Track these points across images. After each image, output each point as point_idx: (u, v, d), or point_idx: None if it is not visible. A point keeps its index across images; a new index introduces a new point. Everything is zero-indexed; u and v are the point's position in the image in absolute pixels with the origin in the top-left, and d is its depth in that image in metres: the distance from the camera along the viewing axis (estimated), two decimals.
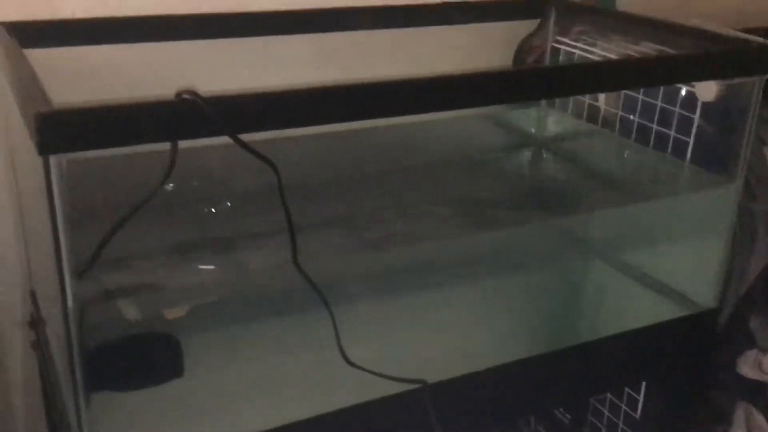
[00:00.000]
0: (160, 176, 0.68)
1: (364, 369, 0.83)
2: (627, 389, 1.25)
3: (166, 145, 0.67)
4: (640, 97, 1.14)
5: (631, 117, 1.16)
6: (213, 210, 1.02)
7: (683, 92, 1.09)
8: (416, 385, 0.88)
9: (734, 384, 1.22)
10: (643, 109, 1.14)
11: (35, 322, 1.00)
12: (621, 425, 1.28)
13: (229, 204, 1.04)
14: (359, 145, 1.15)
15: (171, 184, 0.73)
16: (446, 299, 1.02)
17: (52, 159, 0.62)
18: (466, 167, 1.20)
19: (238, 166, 0.70)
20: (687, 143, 1.09)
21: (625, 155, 1.22)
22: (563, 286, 1.15)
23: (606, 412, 1.31)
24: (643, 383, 1.21)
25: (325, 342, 0.83)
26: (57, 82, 0.76)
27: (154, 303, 0.84)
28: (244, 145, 0.68)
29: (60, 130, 0.60)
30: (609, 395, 1.29)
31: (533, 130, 1.34)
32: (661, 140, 1.13)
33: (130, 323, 0.80)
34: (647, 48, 1.13)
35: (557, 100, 1.30)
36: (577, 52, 1.21)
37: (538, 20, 1.28)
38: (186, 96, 0.64)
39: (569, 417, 1.39)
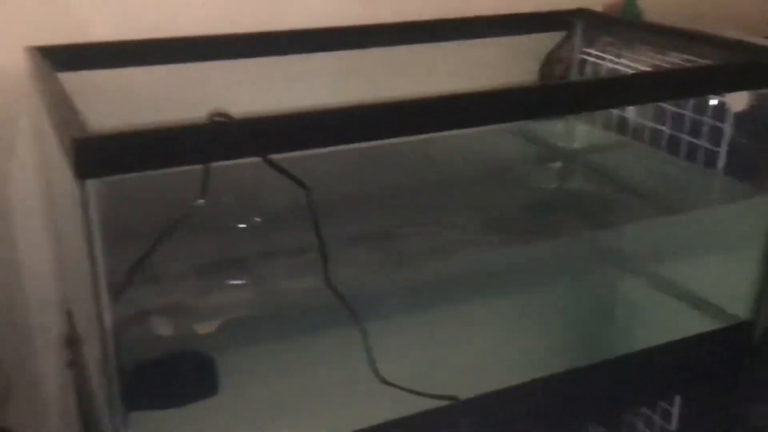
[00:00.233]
0: (191, 194, 0.69)
1: (395, 386, 0.83)
2: (661, 403, 1.23)
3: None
4: (670, 107, 1.13)
5: (661, 127, 1.15)
6: (244, 227, 1.03)
7: (714, 102, 1.08)
8: (448, 402, 0.87)
9: None
10: (673, 119, 1.14)
11: (71, 342, 1.01)
12: None
13: (259, 220, 1.04)
14: (387, 160, 1.15)
15: (202, 201, 0.73)
16: (477, 314, 1.01)
17: (89, 183, 0.63)
18: (494, 181, 1.19)
19: (268, 183, 0.70)
20: (719, 153, 1.08)
21: (656, 167, 1.21)
22: (595, 300, 1.14)
23: (641, 426, 1.30)
24: (677, 397, 1.20)
25: (357, 358, 0.83)
26: (89, 104, 0.77)
27: (185, 319, 0.85)
28: (276, 166, 0.68)
29: (96, 154, 0.61)
30: (644, 409, 1.27)
31: (560, 142, 1.34)
32: (692, 151, 1.12)
33: (164, 341, 0.81)
34: (675, 58, 1.12)
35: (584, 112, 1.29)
36: (605, 63, 1.21)
37: (565, 32, 1.28)
38: (218, 118, 0.65)
39: (603, 431, 1.38)
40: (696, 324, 1.09)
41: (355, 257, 0.96)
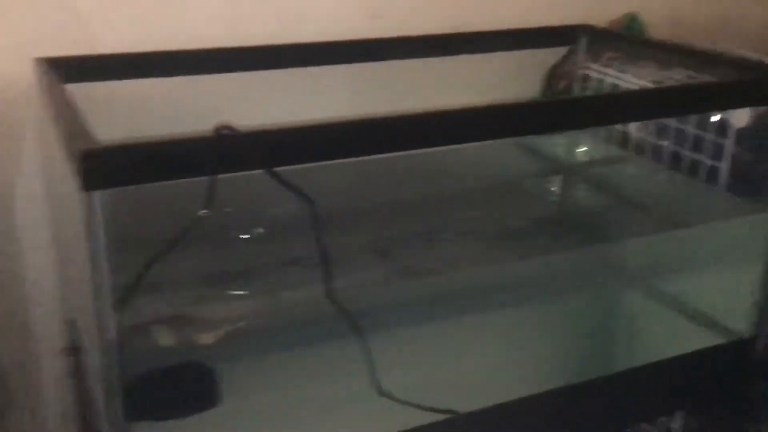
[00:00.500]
0: (197, 205, 0.69)
1: (395, 398, 0.83)
2: (663, 419, 1.23)
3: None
4: (672, 123, 1.13)
5: (663, 143, 1.16)
6: (248, 237, 1.03)
7: (716, 117, 1.08)
8: (448, 415, 0.87)
9: None
10: (675, 134, 1.14)
11: (73, 351, 1.01)
12: None
13: (262, 231, 1.04)
14: (389, 172, 1.15)
15: (206, 211, 0.74)
16: (478, 328, 1.01)
17: (95, 194, 0.64)
18: (496, 194, 1.20)
19: (271, 193, 0.71)
20: (721, 169, 1.08)
21: (658, 182, 1.21)
22: (597, 315, 1.14)
23: None
24: (679, 413, 1.20)
25: (358, 371, 0.83)
26: (96, 116, 0.77)
27: (189, 329, 0.85)
28: (281, 180, 0.68)
29: (102, 166, 0.62)
30: (645, 425, 1.27)
31: (563, 156, 1.34)
32: (695, 166, 1.12)
33: (166, 352, 0.81)
34: (678, 74, 1.13)
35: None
36: (607, 78, 1.21)
37: (568, 47, 1.28)
38: (224, 131, 0.65)
39: None
40: (698, 340, 1.09)
41: (358, 270, 0.96)
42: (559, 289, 1.07)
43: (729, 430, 1.22)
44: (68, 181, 0.67)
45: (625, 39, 1.26)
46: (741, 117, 1.03)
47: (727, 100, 0.99)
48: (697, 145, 1.11)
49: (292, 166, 0.69)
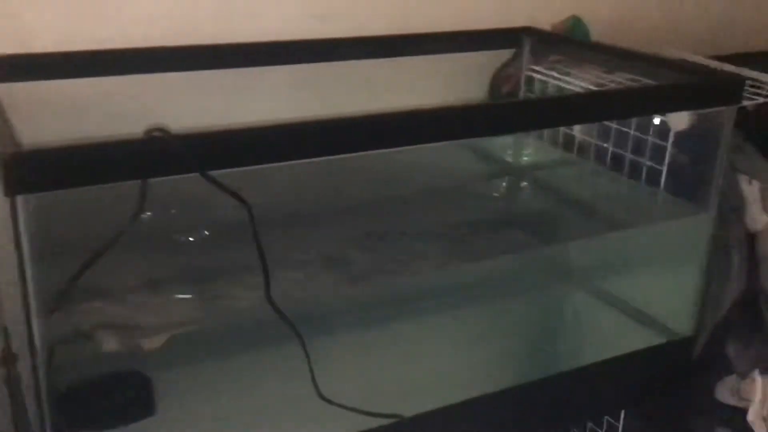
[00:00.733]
0: (134, 209, 0.67)
1: (338, 404, 0.82)
2: (607, 417, 1.24)
3: None
4: (614, 126, 1.15)
5: (606, 145, 1.17)
6: (191, 240, 1.01)
7: (657, 121, 1.10)
8: (392, 420, 0.87)
9: (713, 410, 1.22)
10: (617, 137, 1.15)
11: (6, 359, 0.98)
12: None
13: (207, 233, 1.03)
14: (336, 175, 1.14)
15: (149, 213, 0.72)
16: (423, 331, 1.01)
17: (20, 199, 0.62)
18: (443, 196, 1.20)
19: (218, 195, 0.70)
20: (661, 172, 1.10)
21: (601, 184, 1.23)
22: (541, 315, 1.15)
23: None
24: (623, 411, 1.21)
25: (301, 376, 0.83)
26: (26, 117, 0.76)
27: (129, 336, 0.83)
28: (216, 183, 0.67)
29: (27, 171, 0.60)
30: (589, 424, 1.28)
31: (510, 159, 1.35)
32: (636, 169, 1.13)
33: (104, 358, 0.79)
34: (621, 77, 1.14)
35: None
36: (551, 81, 1.22)
37: (513, 50, 1.29)
38: (155, 133, 0.64)
39: None
40: (640, 339, 1.11)
41: (303, 273, 0.95)
42: (504, 290, 1.08)
43: (672, 428, 1.24)
44: None
45: (568, 42, 1.27)
46: (680, 120, 1.05)
47: (666, 103, 1.00)
48: (638, 147, 1.13)
49: (238, 169, 0.68)
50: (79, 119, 1.00)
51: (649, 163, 1.11)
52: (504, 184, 1.31)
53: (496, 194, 1.29)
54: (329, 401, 0.82)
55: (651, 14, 1.47)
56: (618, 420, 1.23)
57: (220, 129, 0.67)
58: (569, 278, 1.15)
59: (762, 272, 1.18)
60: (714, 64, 1.22)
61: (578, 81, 1.18)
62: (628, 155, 1.14)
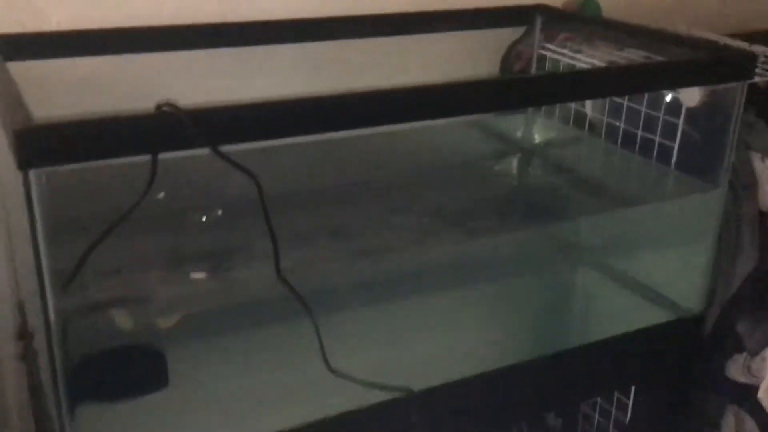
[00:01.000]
0: (145, 184, 0.68)
1: (348, 377, 0.83)
2: (617, 394, 1.25)
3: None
4: (626, 102, 1.14)
5: (617, 123, 1.17)
6: (205, 218, 1.02)
7: (668, 98, 1.09)
8: (401, 393, 0.88)
9: (723, 388, 1.22)
10: (628, 115, 1.15)
11: (23, 334, 1.00)
12: (611, 429, 1.28)
13: (220, 211, 1.04)
14: (345, 152, 1.15)
15: (162, 193, 0.73)
16: (433, 307, 1.02)
17: (32, 173, 0.62)
18: (453, 174, 1.20)
19: (230, 173, 0.70)
20: (672, 149, 1.09)
21: (612, 161, 1.22)
22: (551, 292, 1.15)
23: (596, 417, 1.31)
24: (633, 388, 1.22)
25: (312, 351, 0.84)
26: (40, 94, 0.76)
27: (143, 312, 0.85)
28: (226, 158, 0.68)
29: (39, 145, 0.61)
30: (599, 400, 1.29)
31: (520, 137, 1.35)
32: (647, 146, 1.13)
33: (118, 334, 0.80)
34: (632, 54, 1.13)
35: (544, 107, 1.31)
36: (563, 59, 1.22)
37: (525, 27, 1.29)
38: (166, 108, 0.65)
39: (560, 422, 1.39)
40: (650, 316, 1.11)
41: (313, 249, 0.96)
42: (514, 267, 1.08)
43: (682, 405, 1.24)
44: (9, 160, 0.66)
45: (580, 19, 1.27)
46: (692, 96, 1.05)
47: (678, 79, 1.00)
48: (649, 124, 1.12)
49: (249, 147, 0.69)
50: (89, 97, 1.01)
51: (660, 140, 1.10)
52: (515, 162, 1.31)
53: (506, 172, 1.29)
54: (340, 375, 0.83)
55: None
56: (628, 397, 1.23)
57: (230, 104, 0.68)
58: (580, 255, 1.16)
59: None
60: (726, 40, 1.21)
61: (590, 58, 1.17)
62: (640, 132, 1.13)
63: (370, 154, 1.16)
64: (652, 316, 1.11)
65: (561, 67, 1.22)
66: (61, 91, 0.98)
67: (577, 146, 1.27)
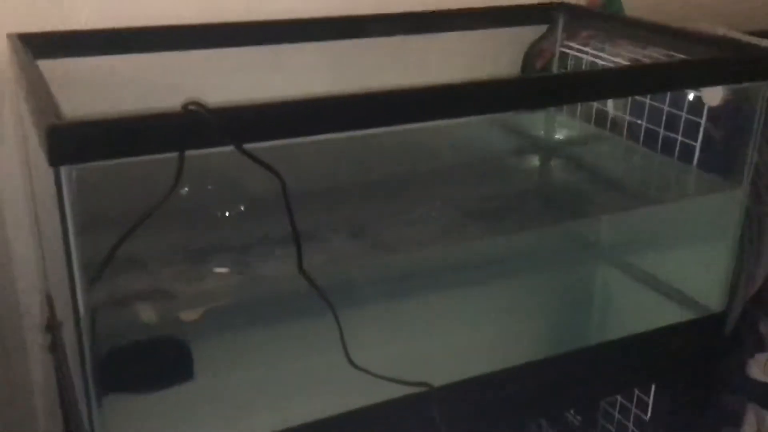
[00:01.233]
0: (172, 183, 0.69)
1: (368, 372, 0.84)
2: (637, 392, 1.25)
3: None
4: (648, 101, 1.14)
5: (639, 121, 1.17)
6: (227, 214, 1.04)
7: (690, 97, 1.09)
8: (422, 389, 0.89)
9: (744, 387, 1.22)
10: (650, 113, 1.15)
11: (52, 326, 1.02)
12: (631, 427, 1.28)
13: (243, 208, 1.05)
14: (368, 150, 1.16)
15: (186, 189, 0.74)
16: (454, 302, 1.03)
17: (63, 169, 0.64)
18: (474, 172, 1.21)
19: (252, 170, 0.71)
20: (694, 148, 1.09)
21: (633, 160, 1.22)
22: (572, 290, 1.16)
23: (616, 415, 1.31)
24: (653, 386, 1.22)
25: (333, 346, 0.85)
26: (68, 92, 0.78)
27: (168, 306, 0.86)
28: (251, 156, 0.69)
29: (70, 142, 0.62)
30: (619, 398, 1.29)
31: (542, 134, 1.35)
32: (669, 144, 1.13)
33: (143, 327, 0.82)
34: (655, 53, 1.13)
35: (565, 105, 1.31)
36: (586, 57, 1.22)
37: (547, 25, 1.29)
38: (192, 107, 0.66)
39: (579, 419, 1.40)
40: (671, 314, 1.11)
41: (334, 246, 0.97)
42: (534, 264, 1.08)
43: (702, 403, 1.24)
44: (40, 157, 0.68)
45: (602, 17, 1.26)
46: (714, 95, 1.04)
47: (700, 77, 0.99)
48: (672, 123, 1.12)
49: (268, 144, 0.70)
50: (116, 95, 1.03)
51: (682, 138, 1.10)
52: (536, 159, 1.31)
53: (528, 170, 1.29)
54: (360, 368, 0.84)
55: None
56: (648, 395, 1.23)
57: (255, 103, 0.69)
58: (601, 253, 1.16)
59: None
60: (750, 39, 1.20)
61: (612, 56, 1.17)
62: (662, 131, 1.13)
63: (392, 151, 1.17)
64: (674, 314, 1.11)
65: (583, 66, 1.22)
66: (87, 88, 1.00)
67: (598, 144, 1.27)
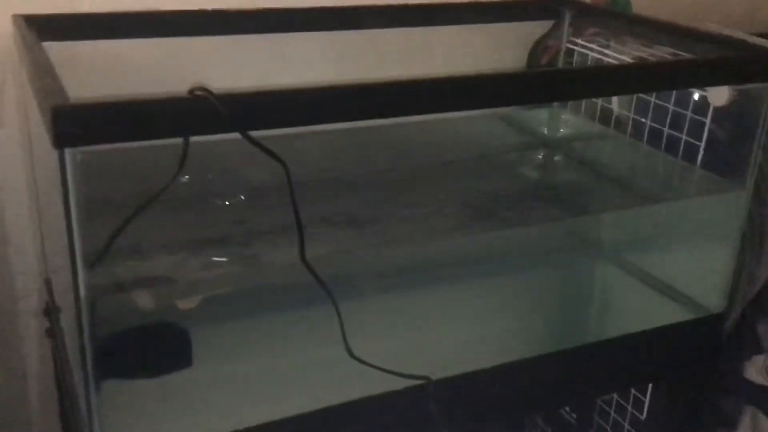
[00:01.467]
0: (175, 169, 0.69)
1: (367, 364, 0.84)
2: (633, 391, 1.25)
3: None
4: (653, 100, 1.14)
5: (643, 120, 1.16)
6: (227, 203, 1.04)
7: (696, 96, 1.09)
8: (420, 381, 0.89)
9: (741, 389, 1.22)
10: (655, 112, 1.15)
11: (50, 311, 1.02)
12: (627, 426, 1.29)
13: (242, 198, 1.05)
14: (371, 142, 1.16)
15: (186, 177, 0.74)
16: (454, 297, 1.03)
17: (67, 152, 0.64)
18: (477, 166, 1.21)
19: (253, 160, 0.71)
20: (698, 147, 1.09)
21: (637, 158, 1.22)
22: (571, 286, 1.16)
23: (612, 413, 1.32)
24: (650, 385, 1.22)
25: (332, 336, 0.85)
26: (73, 75, 0.77)
27: (166, 294, 0.86)
28: (255, 142, 0.69)
29: (75, 124, 0.62)
30: (615, 396, 1.29)
31: (545, 131, 1.35)
32: (673, 144, 1.13)
33: (142, 313, 0.82)
34: (661, 51, 1.13)
35: (570, 102, 1.30)
36: (591, 53, 1.22)
37: (553, 21, 1.29)
38: (198, 92, 0.65)
39: (575, 417, 1.40)
40: (670, 314, 1.11)
41: (335, 236, 0.97)
42: (534, 260, 1.08)
43: (699, 404, 1.24)
44: (44, 139, 0.67)
45: (609, 14, 1.26)
46: (720, 95, 1.04)
47: (706, 77, 0.99)
48: (676, 122, 1.12)
49: (272, 133, 0.70)
50: (122, 79, 1.03)
51: (686, 138, 1.10)
52: (539, 156, 1.31)
53: (530, 165, 1.29)
54: (359, 359, 0.83)
55: None
56: (645, 394, 1.23)
57: (261, 90, 0.69)
58: (602, 251, 1.16)
59: None
60: (756, 40, 1.20)
61: (618, 54, 1.17)
62: (666, 130, 1.13)
63: (395, 144, 1.17)
64: (672, 314, 1.11)
65: (589, 62, 1.22)
66: (90, 72, 1.00)
67: (602, 142, 1.27)
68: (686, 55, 1.08)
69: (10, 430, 1.19)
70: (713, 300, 1.11)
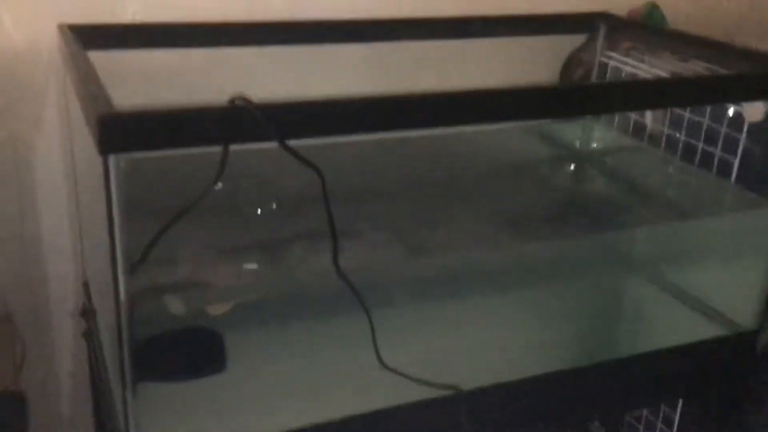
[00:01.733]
0: (212, 177, 0.71)
1: (398, 373, 0.85)
2: (664, 407, 1.24)
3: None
4: (687, 114, 1.14)
5: (677, 135, 1.16)
6: (261, 211, 1.05)
7: (730, 112, 1.08)
8: (450, 392, 0.89)
9: None
10: (689, 127, 1.14)
11: (87, 313, 1.04)
12: None
13: (275, 206, 1.06)
14: (405, 153, 1.17)
15: (220, 184, 0.75)
16: (486, 308, 1.03)
17: (111, 158, 0.65)
18: (509, 179, 1.21)
19: (288, 169, 0.72)
20: (733, 163, 1.08)
21: (670, 173, 1.22)
22: (603, 301, 1.15)
23: (641, 429, 1.31)
24: (680, 401, 1.21)
25: (363, 344, 0.85)
26: (117, 83, 0.79)
27: (198, 299, 0.87)
28: (292, 152, 0.70)
29: (119, 131, 0.63)
30: (645, 412, 1.28)
31: (578, 144, 1.34)
32: (707, 159, 1.12)
33: (176, 318, 0.83)
34: (696, 66, 1.13)
35: (603, 115, 1.30)
36: (625, 67, 1.22)
37: (587, 35, 1.29)
38: (238, 102, 0.67)
39: (604, 430, 1.39)
40: (701, 330, 1.10)
41: (369, 245, 0.98)
42: (566, 274, 1.08)
43: (729, 422, 1.22)
44: (88, 146, 0.69)
45: (644, 29, 1.26)
46: (755, 111, 1.04)
47: (741, 92, 0.98)
48: (710, 138, 1.11)
49: (309, 143, 0.71)
50: (162, 88, 1.05)
51: (721, 153, 1.10)
52: (571, 169, 1.31)
53: (563, 179, 1.29)
54: (389, 368, 0.84)
55: (728, 2, 1.44)
56: (675, 410, 1.22)
57: (300, 100, 0.70)
58: (634, 266, 1.15)
59: None
60: None
61: (653, 68, 1.17)
62: (700, 145, 1.12)
63: (429, 155, 1.17)
64: (705, 330, 1.10)
65: (623, 76, 1.22)
66: (132, 80, 1.02)
67: (635, 156, 1.27)
68: (721, 70, 1.08)
69: (44, 429, 1.21)
70: (746, 316, 1.10)
